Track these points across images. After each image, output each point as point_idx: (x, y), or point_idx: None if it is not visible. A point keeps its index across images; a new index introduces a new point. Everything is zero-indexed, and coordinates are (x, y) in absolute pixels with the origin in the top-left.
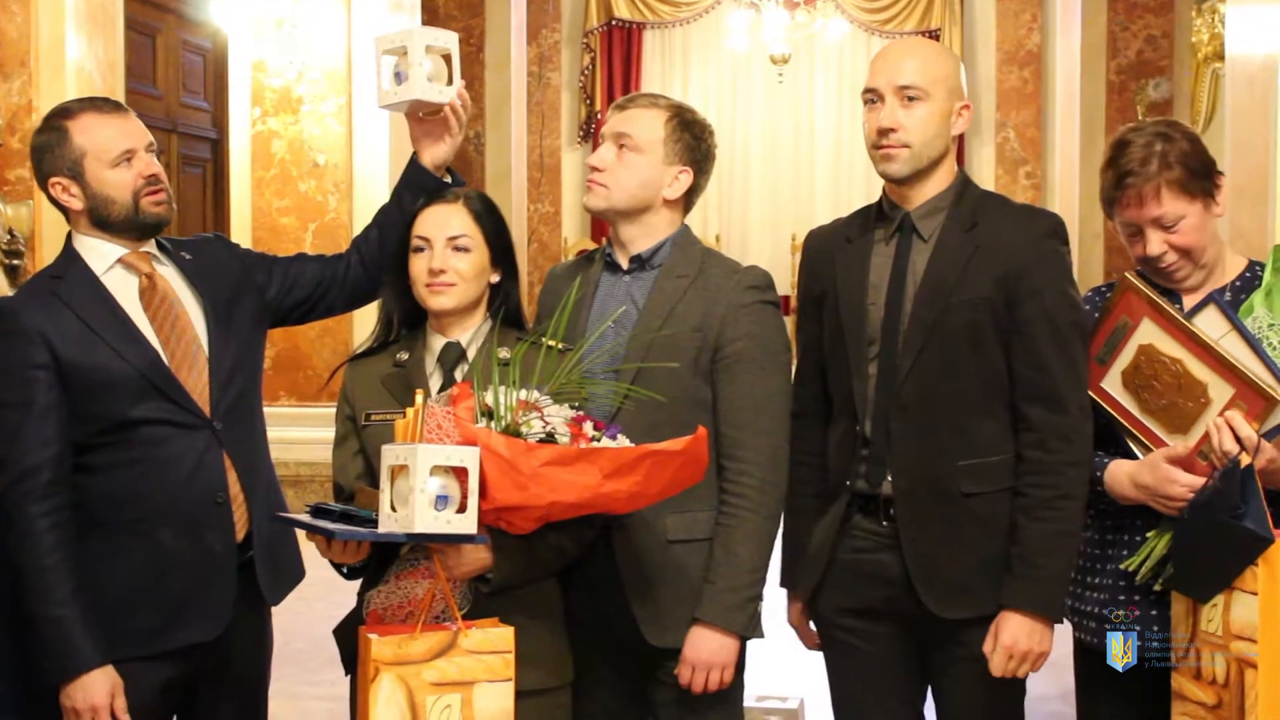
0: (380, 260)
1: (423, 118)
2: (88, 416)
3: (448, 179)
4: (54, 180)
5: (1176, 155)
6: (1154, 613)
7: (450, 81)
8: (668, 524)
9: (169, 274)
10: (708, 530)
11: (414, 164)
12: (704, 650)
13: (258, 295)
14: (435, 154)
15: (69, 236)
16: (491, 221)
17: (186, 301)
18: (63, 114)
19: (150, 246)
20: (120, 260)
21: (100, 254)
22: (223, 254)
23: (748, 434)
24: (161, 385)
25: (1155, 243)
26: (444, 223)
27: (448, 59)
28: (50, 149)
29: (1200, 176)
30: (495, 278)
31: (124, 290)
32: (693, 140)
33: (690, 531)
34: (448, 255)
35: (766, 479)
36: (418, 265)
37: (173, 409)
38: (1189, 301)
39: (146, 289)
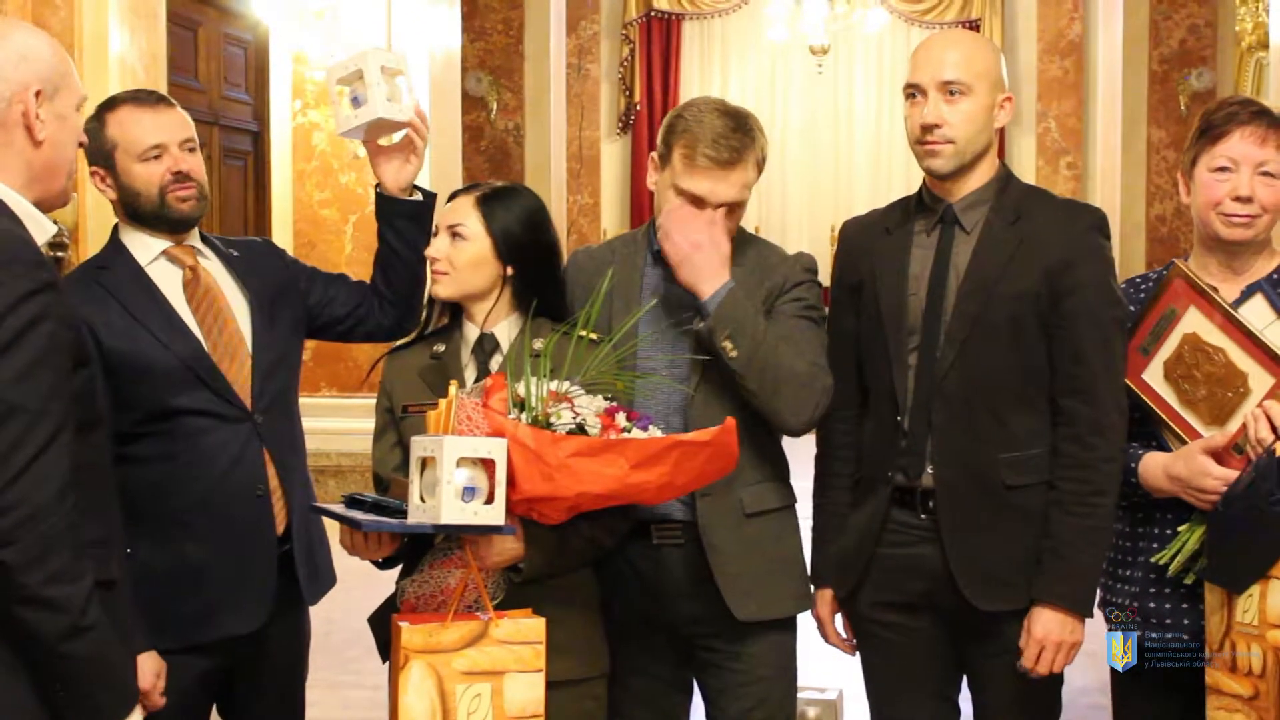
0: (394, 298)
1: (382, 145)
2: (130, 405)
3: (418, 196)
4: (92, 169)
5: None
6: (1184, 606)
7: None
8: (743, 497)
9: (213, 268)
10: (778, 500)
11: (381, 197)
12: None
13: (301, 299)
14: (400, 177)
15: (115, 228)
16: (502, 214)
17: (231, 296)
18: (106, 105)
19: (194, 240)
20: (164, 253)
21: (144, 245)
22: (269, 255)
23: (812, 357)
24: (204, 376)
25: (1245, 182)
26: (450, 213)
27: (401, 79)
28: (90, 138)
29: None
30: (509, 271)
31: (168, 281)
32: (764, 158)
33: (764, 503)
34: (445, 243)
35: (824, 392)
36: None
37: (214, 400)
38: (1230, 292)
39: (190, 281)
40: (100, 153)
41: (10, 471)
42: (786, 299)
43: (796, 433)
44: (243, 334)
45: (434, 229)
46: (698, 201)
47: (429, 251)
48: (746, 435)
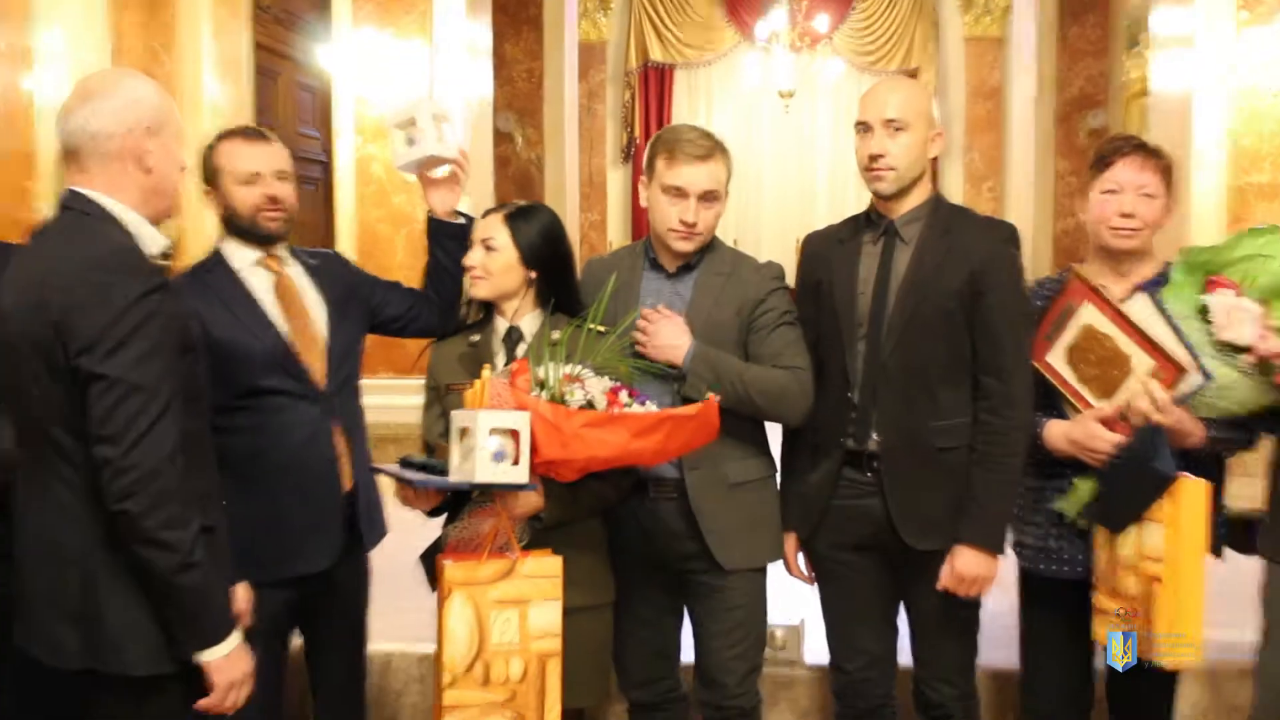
0: (440, 303)
1: (431, 178)
2: (227, 384)
3: (460, 220)
4: (205, 187)
5: (1167, 161)
6: (1080, 543)
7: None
8: (728, 471)
9: (296, 274)
10: (759, 471)
11: (431, 221)
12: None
13: (364, 302)
14: (447, 203)
15: (219, 238)
16: (529, 235)
17: (309, 297)
18: (221, 136)
19: (282, 250)
20: (258, 260)
21: (242, 254)
22: (340, 265)
23: (789, 355)
24: (286, 362)
25: (1129, 201)
26: (482, 228)
27: (447, 125)
28: (205, 162)
29: (1170, 186)
30: (533, 274)
31: (260, 284)
32: (731, 168)
33: (747, 474)
34: (480, 253)
35: (809, 382)
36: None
37: (295, 383)
38: (1118, 292)
39: (278, 284)
40: (210, 173)
41: (131, 438)
42: (763, 310)
43: (798, 425)
44: (319, 329)
45: (470, 244)
46: (681, 193)
47: (466, 261)
48: (732, 418)
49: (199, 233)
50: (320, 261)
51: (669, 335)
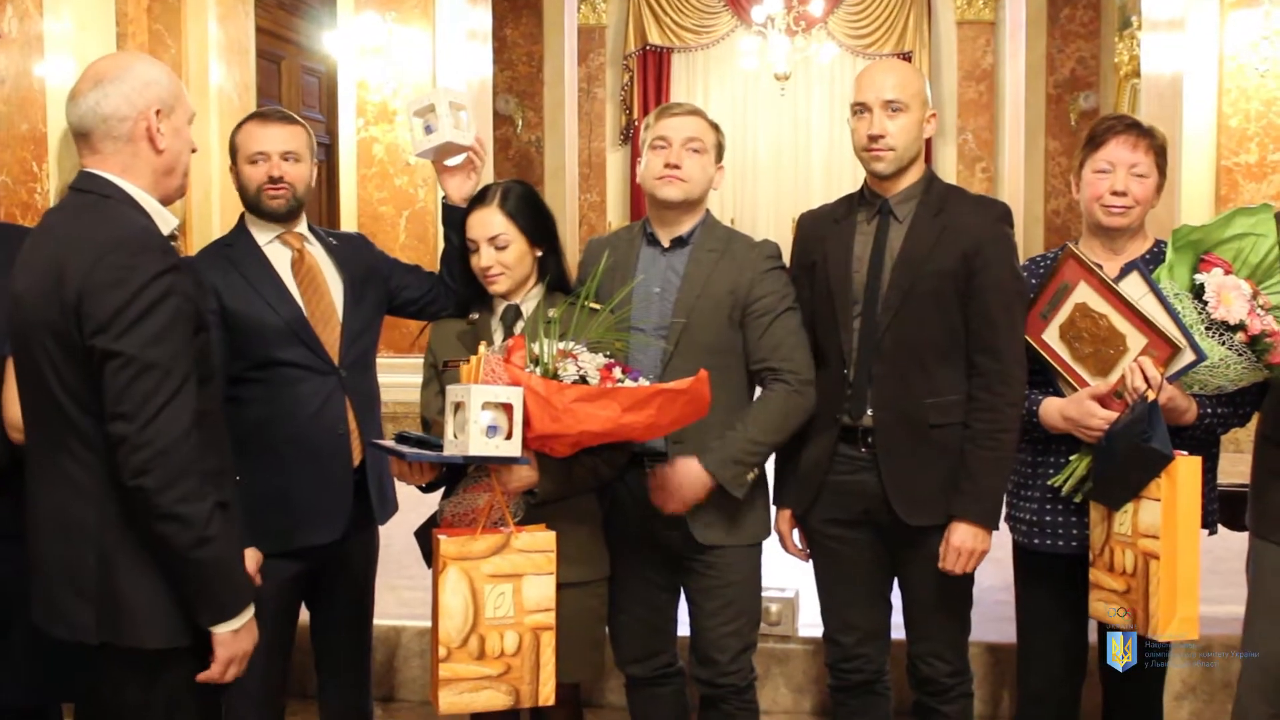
0: (456, 287)
1: (448, 165)
2: (242, 354)
3: None
4: (230, 165)
5: (1160, 141)
6: (1074, 519)
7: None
8: (712, 448)
9: (316, 252)
10: None
11: (446, 207)
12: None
13: (383, 283)
14: (463, 190)
15: (242, 215)
16: (525, 214)
17: (328, 274)
18: (245, 118)
19: (302, 228)
20: (278, 237)
21: (263, 230)
22: (361, 247)
23: (786, 350)
24: (302, 335)
25: (1120, 179)
26: (484, 227)
27: (465, 113)
28: (230, 142)
29: (1162, 166)
30: (540, 253)
31: (279, 259)
32: (722, 142)
33: None
34: (492, 253)
35: (807, 380)
36: (475, 262)
37: (309, 356)
38: (1111, 269)
39: (297, 260)
40: (232, 153)
41: (147, 414)
42: (760, 295)
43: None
44: (336, 305)
45: (473, 244)
46: (665, 141)
47: (481, 264)
48: (720, 394)
49: (205, 217)
50: (341, 242)
51: (682, 480)
